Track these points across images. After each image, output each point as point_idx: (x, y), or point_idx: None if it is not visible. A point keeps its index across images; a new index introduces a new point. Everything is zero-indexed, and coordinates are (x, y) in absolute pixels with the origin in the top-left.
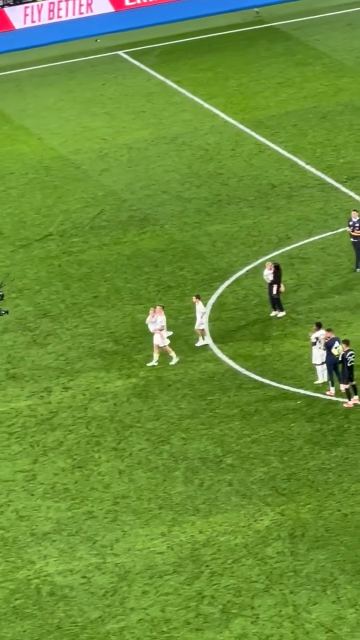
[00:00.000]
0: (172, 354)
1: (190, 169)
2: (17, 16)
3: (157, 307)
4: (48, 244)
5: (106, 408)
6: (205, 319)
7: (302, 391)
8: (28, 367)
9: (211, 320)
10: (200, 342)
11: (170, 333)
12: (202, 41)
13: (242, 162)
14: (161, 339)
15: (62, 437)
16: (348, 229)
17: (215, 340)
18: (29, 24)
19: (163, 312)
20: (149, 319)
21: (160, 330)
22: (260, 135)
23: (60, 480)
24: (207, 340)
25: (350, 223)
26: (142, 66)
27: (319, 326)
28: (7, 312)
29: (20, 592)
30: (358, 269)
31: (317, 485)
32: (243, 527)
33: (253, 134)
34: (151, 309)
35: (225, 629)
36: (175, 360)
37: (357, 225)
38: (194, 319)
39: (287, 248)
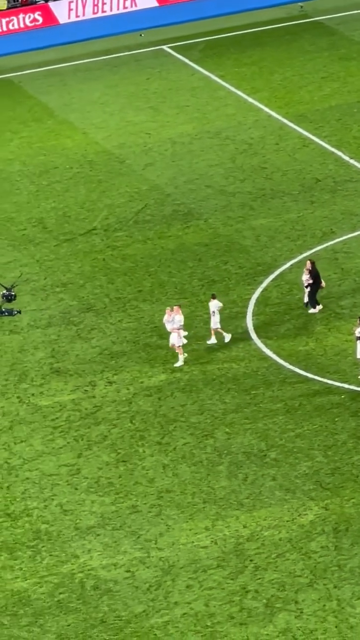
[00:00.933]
0: (181, 356)
1: (234, 163)
2: (61, 11)
3: (175, 306)
4: (92, 238)
5: (150, 402)
6: (218, 318)
7: (346, 385)
8: (72, 362)
9: (255, 314)
10: (211, 341)
11: (186, 333)
12: (246, 35)
13: (286, 156)
14: (178, 338)
15: (107, 432)
16: None
17: (259, 335)
18: (73, 19)
19: (181, 311)
20: (166, 318)
21: (179, 329)
22: (304, 129)
23: (104, 474)
24: (226, 338)
25: None
26: (186, 60)
27: None
28: (19, 312)
29: (65, 586)
30: None
31: None
32: (287, 521)
33: (297, 128)
34: (168, 308)
35: (269, 624)
36: (180, 363)
37: None
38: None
39: (331, 242)
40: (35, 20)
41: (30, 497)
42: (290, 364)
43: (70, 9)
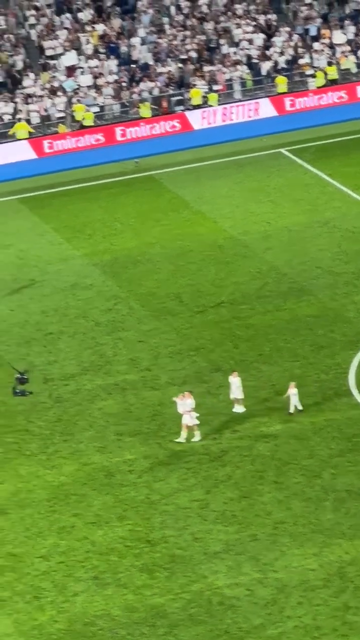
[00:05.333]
0: (198, 432)
1: (340, 248)
2: (195, 119)
3: (186, 392)
4: (220, 310)
5: (268, 448)
6: (240, 391)
7: None
8: (203, 413)
9: (357, 374)
10: (237, 409)
11: (197, 415)
12: (351, 140)
13: None
14: (190, 419)
15: (231, 472)
16: None
17: (359, 390)
18: (205, 126)
19: (192, 396)
20: (178, 401)
21: (190, 411)
22: None
23: (229, 508)
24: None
25: None
26: (300, 161)
27: None
28: (31, 392)
29: (195, 602)
30: None
31: None
32: None
33: None
34: (180, 394)
35: None
36: (198, 438)
37: None
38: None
39: None
40: (174, 126)
41: (166, 526)
42: None
43: (203, 117)
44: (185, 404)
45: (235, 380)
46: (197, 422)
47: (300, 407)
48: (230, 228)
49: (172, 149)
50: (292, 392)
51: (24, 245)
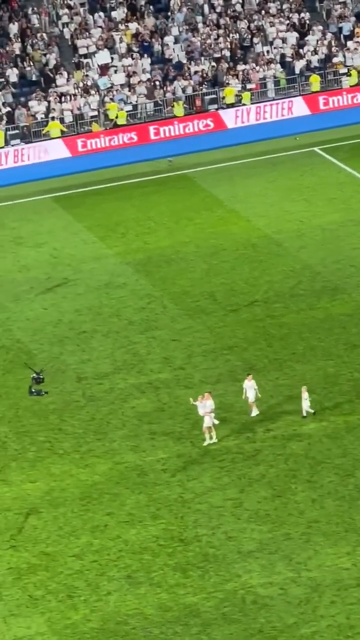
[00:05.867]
0: (207, 435)
1: None
2: (229, 117)
3: (206, 393)
4: (254, 308)
5: (302, 447)
6: (254, 393)
7: None
8: (237, 412)
9: None
10: (254, 413)
11: (213, 414)
12: None
13: None
14: (210, 420)
15: (265, 471)
16: None
17: None
18: (239, 124)
19: (211, 397)
20: (198, 403)
21: (210, 413)
22: None
23: (262, 507)
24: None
25: None
26: (334, 160)
27: None
28: (47, 392)
29: (229, 601)
30: None
31: None
32: None
33: None
34: (200, 395)
35: None
36: (207, 442)
37: None
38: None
39: None
40: (207, 125)
41: (200, 525)
42: None
43: (236, 116)
44: (205, 406)
45: (250, 384)
46: (217, 422)
47: (311, 411)
48: (264, 227)
49: (205, 147)
50: (304, 396)
51: (58, 244)
